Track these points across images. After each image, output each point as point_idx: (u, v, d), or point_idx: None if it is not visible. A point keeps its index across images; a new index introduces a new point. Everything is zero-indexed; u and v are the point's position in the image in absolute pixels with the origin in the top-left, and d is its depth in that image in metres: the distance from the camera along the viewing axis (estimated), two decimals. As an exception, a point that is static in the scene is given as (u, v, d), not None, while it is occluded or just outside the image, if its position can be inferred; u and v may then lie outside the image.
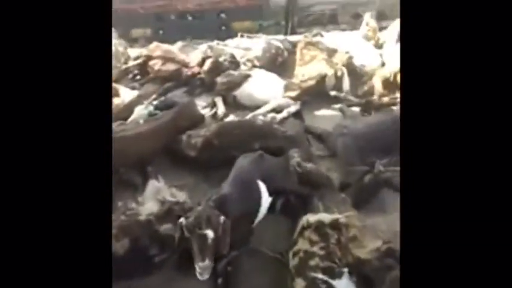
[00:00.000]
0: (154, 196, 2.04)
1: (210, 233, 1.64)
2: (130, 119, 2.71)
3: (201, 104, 3.16)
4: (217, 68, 3.40)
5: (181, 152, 2.48)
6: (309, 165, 2.28)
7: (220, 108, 3.10)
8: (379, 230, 1.97)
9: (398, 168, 2.35)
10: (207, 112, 3.06)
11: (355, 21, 5.87)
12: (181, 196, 2.05)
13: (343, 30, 5.21)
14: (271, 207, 2.11)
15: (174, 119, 2.57)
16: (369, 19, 4.05)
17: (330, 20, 6.01)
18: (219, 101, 3.15)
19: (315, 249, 1.72)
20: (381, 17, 5.82)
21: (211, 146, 2.41)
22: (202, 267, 1.61)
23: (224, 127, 2.52)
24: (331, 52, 3.44)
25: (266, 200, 2.05)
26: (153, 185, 2.12)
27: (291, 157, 2.30)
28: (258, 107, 3.07)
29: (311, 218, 1.83)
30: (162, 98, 3.20)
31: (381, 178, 2.22)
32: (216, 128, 2.48)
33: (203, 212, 1.71)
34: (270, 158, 2.25)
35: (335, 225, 1.79)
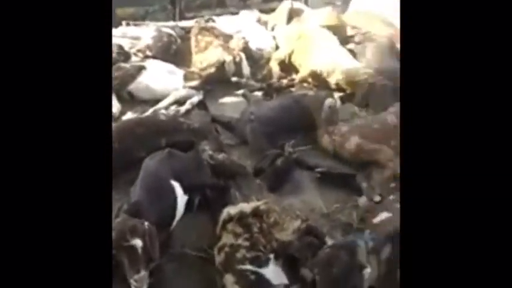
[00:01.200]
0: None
1: (138, 242, 1.51)
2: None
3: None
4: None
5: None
6: (221, 156, 2.23)
7: (115, 106, 2.81)
8: (296, 209, 2.04)
9: (305, 147, 2.48)
10: (100, 112, 2.75)
11: (243, 3, 5.92)
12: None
13: (232, 13, 5.21)
14: (189, 206, 2.00)
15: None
16: (260, 5, 4.10)
17: (218, 4, 5.93)
18: (112, 98, 2.85)
19: (240, 241, 1.69)
20: (267, -1, 5.98)
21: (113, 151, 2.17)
22: (138, 280, 1.48)
23: (123, 128, 2.29)
24: (227, 37, 3.40)
25: (182, 199, 1.94)
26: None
27: (202, 150, 2.22)
28: (158, 100, 2.87)
29: (232, 210, 1.79)
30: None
31: (292, 159, 2.30)
32: (114, 130, 2.23)
33: (124, 222, 1.55)
34: (180, 154, 2.13)
35: (256, 213, 1.78)
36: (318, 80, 3.11)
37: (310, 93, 2.74)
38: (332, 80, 3.03)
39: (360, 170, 2.27)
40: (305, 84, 3.14)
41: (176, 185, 1.91)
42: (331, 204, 2.09)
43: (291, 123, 2.53)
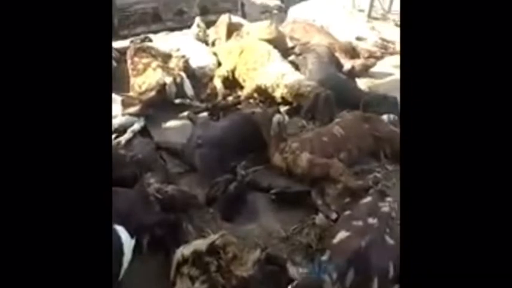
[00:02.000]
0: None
1: None
2: None
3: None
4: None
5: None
6: (170, 188, 2.09)
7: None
8: (255, 237, 1.96)
9: (257, 168, 2.41)
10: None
11: (180, 17, 5.77)
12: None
13: (170, 28, 5.05)
14: (137, 249, 1.84)
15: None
16: (199, 21, 3.99)
17: (154, 19, 5.73)
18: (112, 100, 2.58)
19: (197, 284, 1.57)
20: (205, 12, 5.90)
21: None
22: None
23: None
24: (165, 57, 3.27)
25: (128, 243, 1.77)
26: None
27: (147, 184, 2.07)
28: (95, 130, 2.65)
29: (185, 250, 1.66)
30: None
31: (245, 183, 2.21)
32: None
33: None
34: (123, 191, 1.96)
35: (212, 250, 1.67)
36: (264, 95, 3.07)
37: (258, 110, 2.68)
38: (277, 94, 3.01)
39: (314, 186, 2.24)
40: (251, 101, 3.08)
41: (120, 230, 1.74)
42: (289, 226, 2.03)
43: (240, 143, 2.45)
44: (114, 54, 3.46)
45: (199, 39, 3.89)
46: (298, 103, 2.96)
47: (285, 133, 2.45)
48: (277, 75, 3.02)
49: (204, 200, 2.14)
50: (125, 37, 4.77)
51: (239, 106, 3.02)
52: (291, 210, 2.13)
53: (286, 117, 2.60)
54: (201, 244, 1.69)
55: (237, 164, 2.31)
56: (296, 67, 3.29)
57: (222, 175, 2.23)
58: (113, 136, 2.61)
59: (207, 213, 2.08)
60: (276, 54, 3.22)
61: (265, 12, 7.71)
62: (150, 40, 3.74)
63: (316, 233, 1.99)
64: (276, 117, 2.41)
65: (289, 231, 2.01)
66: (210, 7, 5.84)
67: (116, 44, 3.82)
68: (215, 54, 3.55)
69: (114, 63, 3.34)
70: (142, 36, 3.83)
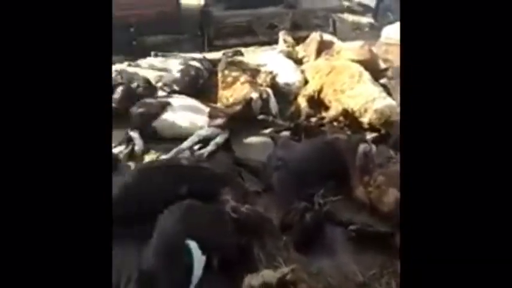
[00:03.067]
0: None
1: None
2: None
3: (114, 141, 2.75)
4: (130, 96, 3.02)
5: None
6: (245, 208, 2.05)
7: (138, 144, 2.73)
8: (328, 276, 1.83)
9: (337, 198, 2.27)
10: (122, 150, 2.67)
11: (271, 31, 5.85)
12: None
13: (262, 42, 5.14)
14: (207, 266, 1.83)
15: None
16: (285, 36, 3.97)
17: (247, 32, 5.90)
18: (135, 135, 2.77)
19: (263, 319, 1.50)
20: (296, 27, 5.90)
21: (129, 199, 2.05)
22: None
23: (143, 174, 2.16)
24: (254, 72, 3.29)
25: (199, 260, 1.76)
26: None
27: (225, 201, 2.06)
28: (181, 138, 2.76)
29: (254, 281, 1.59)
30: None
31: (322, 213, 2.09)
32: (133, 176, 2.12)
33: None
34: (200, 206, 1.97)
35: (282, 285, 1.58)
36: (350, 119, 2.92)
37: (343, 136, 2.55)
38: (365, 120, 2.84)
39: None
40: (336, 124, 2.95)
41: (193, 246, 1.74)
42: (368, 270, 1.86)
43: (321, 169, 2.33)
44: (207, 65, 3.60)
45: (287, 55, 3.87)
46: (386, 131, 2.76)
47: (372, 165, 2.27)
48: (367, 99, 2.85)
49: (278, 225, 2.07)
50: (218, 48, 4.98)
51: (323, 128, 2.90)
52: (371, 251, 1.95)
53: (374, 148, 2.42)
54: (271, 276, 1.62)
55: (315, 191, 2.20)
56: (388, 91, 3.08)
57: (299, 201, 2.14)
58: (196, 147, 2.68)
59: (281, 240, 2.00)
60: (367, 76, 3.05)
61: (356, 29, 7.48)
62: (241, 54, 3.82)
63: (398, 282, 1.78)
64: (362, 147, 2.25)
65: (367, 275, 1.84)
66: (302, 23, 5.84)
67: (209, 55, 3.98)
68: (303, 72, 3.49)
69: (205, 74, 3.47)
70: (234, 49, 3.92)
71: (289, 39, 3.98)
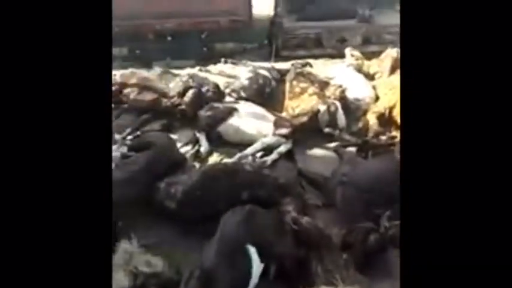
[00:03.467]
0: (125, 265, 1.71)
1: None
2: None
3: (182, 140, 2.86)
4: (200, 100, 3.12)
5: (158, 204, 2.16)
6: (306, 220, 2.01)
7: (204, 146, 2.80)
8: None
9: (403, 223, 2.13)
10: (188, 150, 2.76)
11: (340, 45, 5.76)
12: (158, 264, 1.74)
13: (330, 55, 5.07)
14: (264, 274, 1.81)
15: (150, 164, 2.25)
16: (352, 51, 3.88)
17: (315, 44, 5.87)
18: (202, 137, 2.85)
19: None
20: (367, 42, 5.74)
21: (194, 197, 2.11)
22: None
23: (208, 175, 2.21)
24: (323, 85, 3.24)
25: (257, 267, 1.75)
26: (123, 249, 1.78)
27: (285, 212, 2.03)
28: (245, 144, 2.79)
29: (312, 296, 1.54)
30: (138, 133, 2.89)
31: (387, 236, 1.97)
32: (199, 176, 2.18)
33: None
34: (261, 212, 1.97)
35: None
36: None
37: (415, 159, 2.39)
38: (440, 144, 2.64)
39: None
40: (407, 144, 2.79)
41: (253, 251, 1.73)
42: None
43: (389, 191, 2.19)
44: (275, 74, 3.62)
45: (357, 69, 3.77)
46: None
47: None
48: (443, 122, 2.66)
49: (339, 243, 1.98)
50: (285, 58, 5.00)
51: (392, 148, 2.76)
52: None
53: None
54: (330, 294, 1.55)
55: (381, 212, 2.08)
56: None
57: (363, 221, 2.04)
58: (259, 154, 2.69)
59: (340, 258, 1.92)
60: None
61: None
62: (311, 66, 3.79)
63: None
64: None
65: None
66: (374, 38, 5.68)
67: (278, 65, 4.01)
68: (374, 87, 3.37)
69: (273, 83, 3.49)
70: (303, 61, 3.91)
71: (357, 53, 3.87)
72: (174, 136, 2.81)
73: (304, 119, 2.89)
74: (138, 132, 2.87)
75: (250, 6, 5.69)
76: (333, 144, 2.79)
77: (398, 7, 5.99)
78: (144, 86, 3.25)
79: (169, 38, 5.46)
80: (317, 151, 2.79)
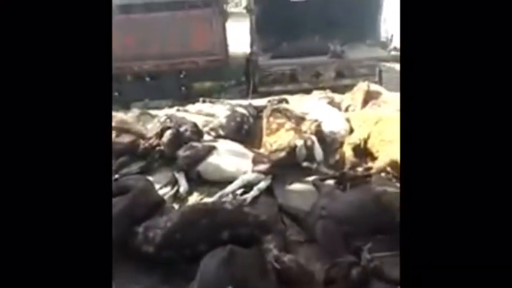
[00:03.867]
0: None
1: None
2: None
3: (161, 182, 2.84)
4: (179, 140, 3.14)
5: (136, 249, 2.10)
6: (288, 258, 1.99)
7: (183, 186, 2.79)
8: None
9: (385, 254, 2.13)
10: (167, 192, 2.74)
11: (316, 79, 5.98)
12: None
13: (305, 89, 5.24)
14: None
15: (128, 208, 2.21)
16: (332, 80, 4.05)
17: (291, 79, 6.07)
18: (181, 177, 2.84)
19: None
20: (340, 76, 5.98)
21: (173, 240, 2.07)
22: None
23: (187, 216, 2.18)
24: (299, 120, 3.33)
25: (241, 310, 1.71)
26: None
27: (267, 250, 2.01)
28: (225, 182, 2.79)
29: None
30: (116, 177, 2.85)
31: (370, 269, 1.97)
32: (178, 218, 2.15)
33: None
34: (242, 252, 1.93)
35: None
36: (398, 170, 2.81)
37: (391, 189, 2.44)
38: (415, 172, 2.72)
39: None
40: (383, 175, 2.85)
41: (235, 293, 1.69)
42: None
43: (368, 222, 2.22)
44: (252, 111, 3.70)
45: (332, 103, 3.90)
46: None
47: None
48: (416, 151, 2.75)
49: (322, 279, 1.96)
50: (262, 94, 5.13)
51: (369, 179, 2.81)
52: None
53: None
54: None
55: (362, 245, 2.09)
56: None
57: (344, 254, 2.04)
58: (239, 192, 2.69)
59: (324, 295, 1.90)
60: (416, 127, 2.96)
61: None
62: (287, 102, 3.90)
63: None
64: (414, 201, 2.13)
65: None
66: (347, 71, 5.93)
67: (255, 102, 4.10)
68: (348, 120, 3.48)
69: (251, 120, 3.56)
70: (279, 97, 4.02)
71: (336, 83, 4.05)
72: (152, 178, 2.78)
73: (282, 154, 2.93)
74: (116, 176, 2.84)
75: (226, 45, 5.90)
76: (311, 178, 2.83)
77: (368, 41, 6.34)
78: (121, 129, 3.25)
79: (147, 79, 5.57)
80: (296, 186, 2.81)
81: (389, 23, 6.18)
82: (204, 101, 4.20)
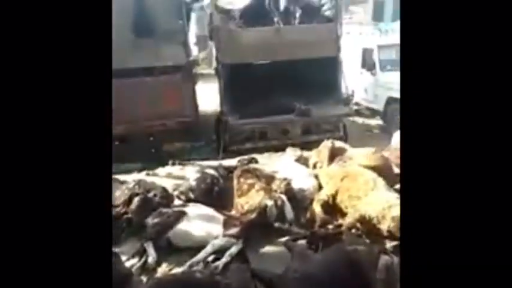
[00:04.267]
0: None
1: None
2: None
3: (128, 253, 2.72)
4: (148, 206, 3.07)
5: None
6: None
7: (151, 255, 2.68)
8: None
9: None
10: (135, 263, 2.62)
11: (284, 136, 6.16)
12: None
13: (275, 146, 5.37)
14: None
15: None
16: (292, 150, 4.21)
17: (260, 136, 6.22)
18: (149, 246, 2.74)
19: None
20: (307, 132, 6.20)
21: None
22: None
23: (156, 290, 2.09)
24: (269, 179, 3.37)
25: None
26: None
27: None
28: (195, 248, 2.72)
29: None
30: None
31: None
32: (145, 294, 2.05)
33: None
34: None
35: None
36: (368, 226, 2.85)
37: (362, 248, 2.46)
38: (383, 227, 2.76)
39: None
40: (354, 231, 2.88)
41: None
42: None
43: (341, 283, 2.20)
44: (222, 172, 3.72)
45: (300, 160, 4.00)
46: (407, 239, 2.66)
47: (395, 279, 2.14)
48: (383, 206, 2.81)
49: None
50: (233, 152, 5.19)
51: (340, 236, 2.82)
52: None
53: (396, 259, 2.31)
54: None
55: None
56: (404, 197, 3.05)
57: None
58: (210, 258, 2.62)
59: None
60: (381, 182, 3.07)
61: (367, 131, 7.80)
62: (256, 161, 3.97)
63: None
64: (384, 260, 2.16)
65: None
66: (313, 128, 6.17)
67: (225, 162, 4.14)
68: (316, 177, 3.55)
69: (221, 181, 3.56)
70: (249, 157, 4.09)
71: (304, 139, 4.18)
72: (118, 249, 2.67)
73: (253, 215, 2.92)
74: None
75: (196, 107, 6.05)
76: (283, 239, 2.80)
77: (331, 100, 6.67)
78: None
79: (117, 143, 5.54)
80: (268, 248, 2.77)
81: (349, 79, 6.61)
82: (173, 164, 4.20)
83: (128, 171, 4.27)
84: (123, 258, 2.59)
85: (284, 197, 3.08)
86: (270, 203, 2.99)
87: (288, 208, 3.02)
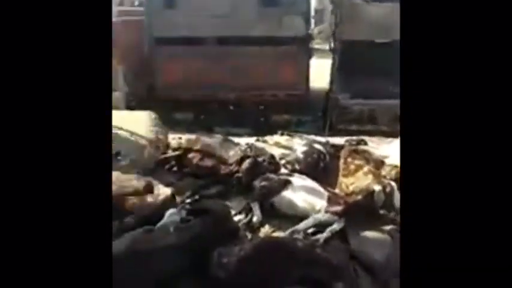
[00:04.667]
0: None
1: None
2: (159, 224, 2.50)
3: (236, 208, 2.95)
4: (256, 169, 3.25)
5: (210, 272, 2.19)
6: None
7: (257, 216, 2.86)
8: None
9: None
10: (241, 219, 2.83)
11: (395, 124, 5.80)
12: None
13: (383, 132, 5.11)
14: None
15: (206, 231, 2.33)
16: None
17: (369, 119, 5.97)
18: (255, 207, 2.92)
19: None
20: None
21: (246, 271, 2.12)
22: None
23: (260, 249, 2.23)
24: (378, 163, 3.25)
25: None
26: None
27: (338, 298, 1.97)
28: (298, 217, 2.81)
29: None
30: (196, 197, 3.04)
31: None
32: (251, 250, 2.21)
33: None
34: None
35: None
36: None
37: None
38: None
39: None
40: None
41: None
42: None
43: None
44: (329, 149, 3.71)
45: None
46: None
47: None
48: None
49: None
50: (339, 131, 5.11)
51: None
52: None
53: None
54: None
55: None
56: None
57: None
58: (310, 231, 2.68)
59: None
60: None
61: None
62: (365, 143, 3.84)
63: None
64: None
65: None
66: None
67: (332, 140, 4.11)
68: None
69: (327, 158, 3.56)
70: (357, 138, 3.98)
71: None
72: (229, 203, 2.91)
73: (359, 197, 2.87)
74: (197, 197, 3.02)
75: (308, 81, 6.05)
76: (388, 227, 2.71)
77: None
78: (206, 152, 3.47)
79: (231, 108, 5.93)
80: (372, 233, 2.70)
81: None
82: (282, 134, 4.32)
83: (239, 135, 4.56)
84: (232, 212, 2.81)
85: (394, 184, 2.94)
86: (378, 188, 2.89)
87: (397, 196, 2.89)
